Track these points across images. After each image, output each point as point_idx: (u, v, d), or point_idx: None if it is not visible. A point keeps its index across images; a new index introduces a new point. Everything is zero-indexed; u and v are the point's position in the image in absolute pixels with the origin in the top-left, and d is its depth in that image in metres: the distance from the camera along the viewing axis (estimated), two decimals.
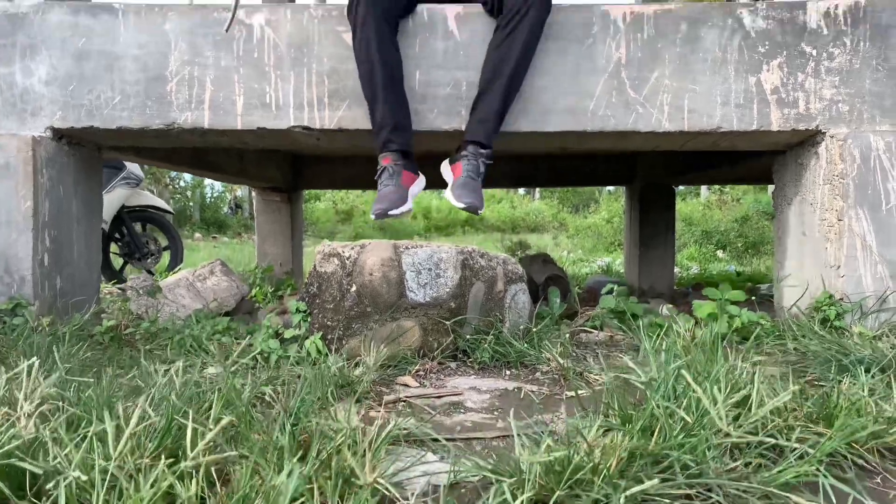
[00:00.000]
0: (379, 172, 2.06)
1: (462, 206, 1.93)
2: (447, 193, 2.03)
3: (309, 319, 1.90)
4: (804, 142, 2.26)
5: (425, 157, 2.39)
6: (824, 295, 2.11)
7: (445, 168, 2.17)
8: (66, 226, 2.26)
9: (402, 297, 1.81)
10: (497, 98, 2.04)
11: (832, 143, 2.13)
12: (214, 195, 18.94)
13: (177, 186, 17.06)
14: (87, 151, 2.38)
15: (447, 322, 1.80)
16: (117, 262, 4.74)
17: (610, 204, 20.74)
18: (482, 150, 2.05)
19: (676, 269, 6.67)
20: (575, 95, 2.16)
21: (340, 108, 2.18)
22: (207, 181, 19.55)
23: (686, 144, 2.37)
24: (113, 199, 4.38)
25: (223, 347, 2.03)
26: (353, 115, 2.18)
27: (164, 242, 4.86)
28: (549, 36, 2.13)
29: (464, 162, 2.03)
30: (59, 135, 2.21)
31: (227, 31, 2.12)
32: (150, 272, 4.79)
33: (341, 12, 2.15)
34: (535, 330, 1.95)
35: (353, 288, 1.82)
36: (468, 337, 1.86)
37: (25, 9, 2.16)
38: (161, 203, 4.72)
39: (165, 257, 4.91)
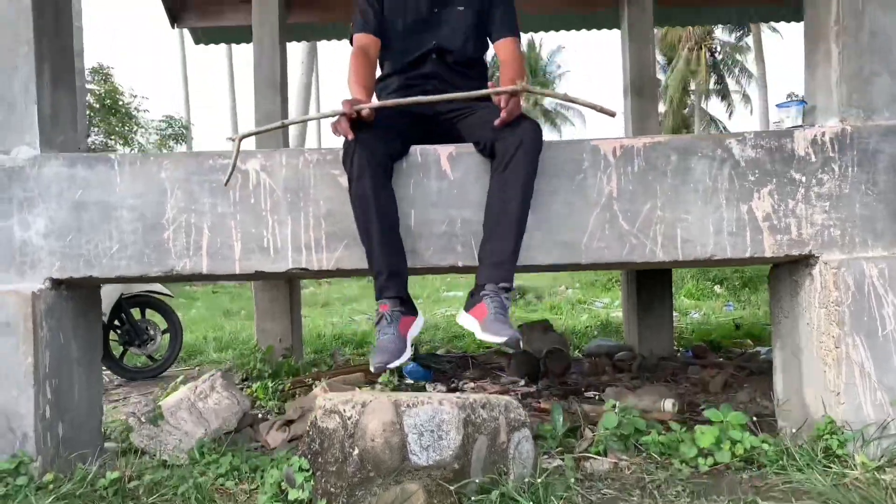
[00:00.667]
0: (378, 318, 2.07)
1: (502, 340, 1.94)
2: (480, 335, 2.03)
3: (312, 481, 1.90)
4: (798, 260, 2.29)
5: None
6: (826, 421, 2.12)
7: (464, 317, 2.14)
8: (66, 372, 2.27)
9: (405, 460, 1.82)
10: (509, 239, 2.05)
11: (826, 270, 2.15)
12: None
13: None
14: (86, 291, 2.39)
15: (451, 486, 1.81)
16: (117, 348, 4.74)
17: None
18: (501, 285, 2.05)
19: (675, 314, 6.68)
20: (568, 230, 2.19)
21: (338, 249, 2.20)
22: None
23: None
24: (111, 290, 4.39)
25: (228, 496, 2.04)
26: (350, 254, 2.20)
27: (163, 325, 4.87)
28: (541, 172, 2.15)
29: (487, 301, 2.03)
30: (57, 283, 2.22)
31: (226, 184, 2.14)
32: (150, 358, 4.79)
33: (336, 156, 2.17)
34: (539, 482, 1.95)
35: (356, 452, 1.83)
36: (472, 498, 1.86)
37: (21, 162, 2.18)
38: (159, 287, 4.73)
39: (166, 338, 4.91)
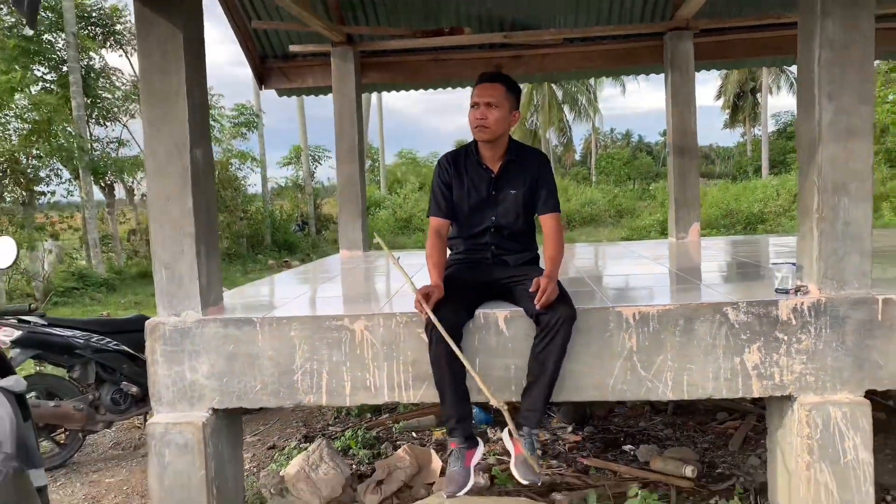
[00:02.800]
0: (448, 453, 2.80)
1: (526, 482, 2.67)
2: (512, 468, 2.76)
3: None
4: (783, 397, 2.89)
5: None
6: None
7: (507, 439, 2.89)
8: (222, 472, 3.08)
9: None
10: (543, 392, 2.74)
11: (801, 409, 2.76)
12: (284, 217, 19.99)
13: (246, 211, 18.13)
14: (234, 414, 3.18)
15: None
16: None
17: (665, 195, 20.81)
18: (534, 431, 2.76)
19: None
20: (598, 375, 2.84)
21: (421, 388, 2.92)
22: (276, 206, 20.65)
23: None
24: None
25: None
26: (429, 392, 2.91)
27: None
28: (577, 330, 2.80)
29: (523, 441, 2.74)
30: (216, 411, 3.02)
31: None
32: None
33: (420, 318, 2.86)
34: None
35: None
36: None
37: (189, 324, 2.97)
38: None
39: None
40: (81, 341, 4.34)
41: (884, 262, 4.14)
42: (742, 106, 40.42)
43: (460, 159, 3.04)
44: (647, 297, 3.21)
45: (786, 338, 2.77)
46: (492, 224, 3.02)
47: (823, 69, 2.69)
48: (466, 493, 2.66)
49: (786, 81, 36.98)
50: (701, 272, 4.09)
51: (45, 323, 4.30)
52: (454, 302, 2.78)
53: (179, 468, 2.91)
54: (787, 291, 2.86)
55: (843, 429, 2.72)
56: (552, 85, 35.76)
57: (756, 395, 2.81)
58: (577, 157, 55.16)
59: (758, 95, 38.15)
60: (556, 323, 2.68)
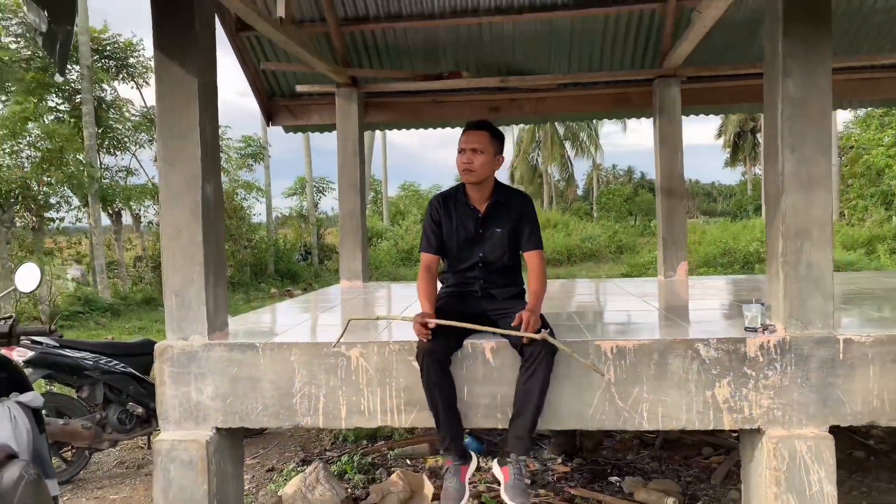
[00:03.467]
0: (444, 470, 2.98)
1: None
2: (502, 493, 2.92)
3: None
4: (753, 430, 3.06)
5: None
6: None
7: (496, 468, 3.06)
8: (224, 488, 3.25)
9: None
10: (528, 420, 2.91)
11: (769, 443, 2.93)
12: (287, 246, 20.23)
13: (251, 240, 18.38)
14: (236, 433, 3.37)
15: None
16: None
17: None
18: (521, 458, 2.93)
19: None
20: (578, 405, 3.03)
21: (412, 413, 3.10)
22: (280, 235, 20.94)
23: None
24: None
25: None
26: (421, 417, 3.09)
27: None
28: (558, 361, 2.99)
29: (510, 468, 2.91)
30: (219, 430, 3.20)
31: (334, 347, 3.05)
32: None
33: (412, 346, 3.06)
34: None
35: None
36: None
37: (196, 347, 3.16)
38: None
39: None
40: (90, 363, 4.54)
41: (868, 304, 4.34)
42: (742, 145, 40.96)
43: (450, 200, 3.26)
44: (626, 333, 3.40)
45: (754, 373, 2.96)
46: (479, 260, 3.23)
47: (785, 123, 2.93)
48: None
49: None
50: (680, 310, 4.29)
51: (57, 344, 4.50)
52: (445, 333, 2.98)
53: (184, 483, 3.09)
54: (755, 330, 3.05)
55: (809, 462, 2.89)
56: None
57: (727, 427, 2.98)
58: (580, 192, 55.64)
59: (758, 135, 38.66)
60: (539, 355, 2.87)
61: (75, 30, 2.67)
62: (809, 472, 2.89)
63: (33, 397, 3.02)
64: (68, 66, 14.04)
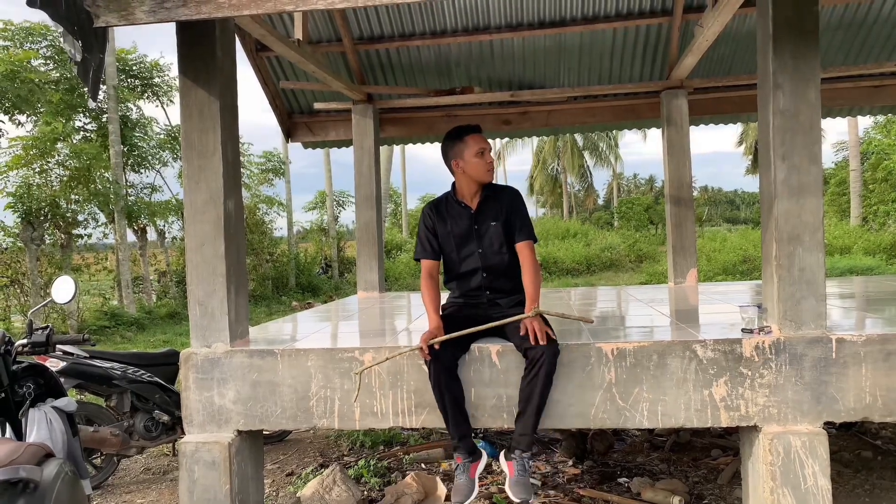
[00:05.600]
0: (455, 466, 3.13)
1: (518, 500, 2.97)
2: (506, 488, 3.07)
3: None
4: (750, 427, 3.18)
5: None
6: None
7: (503, 462, 3.20)
8: (245, 487, 3.42)
9: None
10: (532, 419, 3.06)
11: (765, 439, 3.04)
12: (308, 260, 20.51)
13: (272, 253, 18.67)
14: (256, 435, 3.54)
15: None
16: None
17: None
18: (524, 454, 3.07)
19: None
20: (581, 405, 3.16)
21: (423, 414, 3.26)
22: (301, 249, 21.23)
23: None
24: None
25: None
26: (430, 418, 3.25)
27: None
28: (561, 363, 3.14)
29: (515, 463, 3.07)
30: (240, 432, 3.38)
31: (354, 401, 3.23)
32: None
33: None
34: None
35: None
36: None
37: (219, 354, 3.35)
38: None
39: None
40: (119, 373, 4.75)
41: (869, 306, 4.43)
42: None
43: (441, 205, 3.44)
44: (628, 336, 3.53)
45: (750, 373, 3.08)
46: (480, 260, 3.34)
47: (777, 133, 3.06)
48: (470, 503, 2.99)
49: None
50: (684, 314, 4.40)
51: (87, 355, 4.72)
52: (453, 341, 3.13)
53: (207, 483, 3.26)
54: (751, 331, 3.17)
55: (803, 457, 3.00)
56: None
57: (724, 424, 3.10)
58: (601, 201, 55.63)
59: None
60: (541, 357, 3.02)
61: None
62: (804, 466, 3.00)
63: (67, 402, 3.24)
64: None
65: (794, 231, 3.07)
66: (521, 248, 3.34)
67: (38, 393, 3.16)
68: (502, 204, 3.36)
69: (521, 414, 3.10)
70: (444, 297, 3.51)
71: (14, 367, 3.09)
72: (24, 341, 3.19)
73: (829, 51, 5.99)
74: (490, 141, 3.51)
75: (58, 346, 3.90)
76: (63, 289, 3.26)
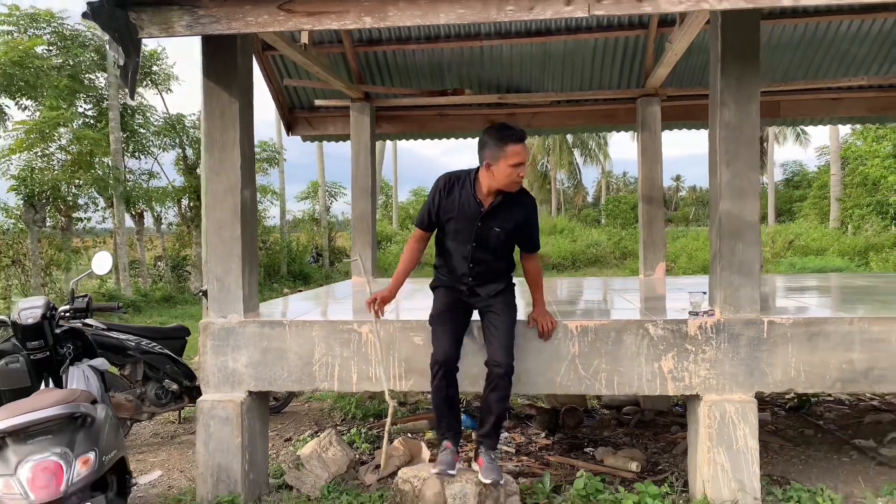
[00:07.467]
0: (442, 449, 3.50)
1: (489, 481, 3.32)
2: (480, 477, 3.37)
3: None
4: (693, 396, 3.68)
5: None
6: (702, 498, 3.53)
7: (473, 464, 3.56)
8: (253, 442, 3.90)
9: None
10: (492, 424, 3.43)
11: (705, 406, 3.55)
12: (299, 248, 20.92)
13: (265, 241, 19.06)
14: (264, 395, 4.01)
15: None
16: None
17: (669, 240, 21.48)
18: (492, 452, 3.48)
19: None
20: (548, 374, 3.66)
21: (411, 379, 3.74)
22: (293, 237, 21.63)
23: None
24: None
25: None
26: (417, 382, 3.73)
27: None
28: (533, 337, 3.63)
29: (483, 457, 3.43)
30: (251, 393, 3.85)
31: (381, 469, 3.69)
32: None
33: (412, 325, 3.69)
34: None
35: None
36: None
37: (233, 324, 3.82)
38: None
39: None
40: (133, 344, 5.20)
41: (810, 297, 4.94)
42: None
43: (458, 183, 3.40)
44: (593, 316, 4.02)
45: (693, 349, 3.58)
46: (471, 252, 3.43)
47: (722, 144, 3.55)
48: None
49: (792, 133, 37.83)
50: (646, 301, 4.91)
51: (104, 327, 5.17)
52: (454, 336, 3.47)
53: (221, 436, 3.74)
54: (697, 314, 3.67)
55: (736, 421, 3.51)
56: None
57: (671, 393, 3.61)
58: (590, 199, 56.22)
59: (765, 144, 39.04)
60: (499, 378, 3.35)
61: (108, 44, 3.26)
62: (736, 429, 3.51)
63: (101, 362, 3.70)
64: (96, 74, 14.85)
65: (735, 228, 3.57)
66: (529, 258, 3.57)
67: (76, 353, 3.62)
68: (515, 215, 3.40)
69: (483, 423, 3.48)
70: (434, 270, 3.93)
71: (56, 331, 3.55)
72: (67, 307, 3.64)
73: (791, 66, 6.51)
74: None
75: (93, 311, 4.33)
76: (101, 262, 3.72)
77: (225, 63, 3.74)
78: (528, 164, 3.33)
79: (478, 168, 3.39)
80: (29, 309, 3.40)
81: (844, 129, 24.76)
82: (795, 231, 22.61)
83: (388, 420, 3.70)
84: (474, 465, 3.54)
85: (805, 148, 53.58)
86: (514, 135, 3.24)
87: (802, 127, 33.18)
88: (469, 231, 3.43)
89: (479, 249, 3.46)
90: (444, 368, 3.40)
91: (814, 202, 29.05)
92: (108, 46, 3.89)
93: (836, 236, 20.90)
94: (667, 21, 6.04)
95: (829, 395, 6.16)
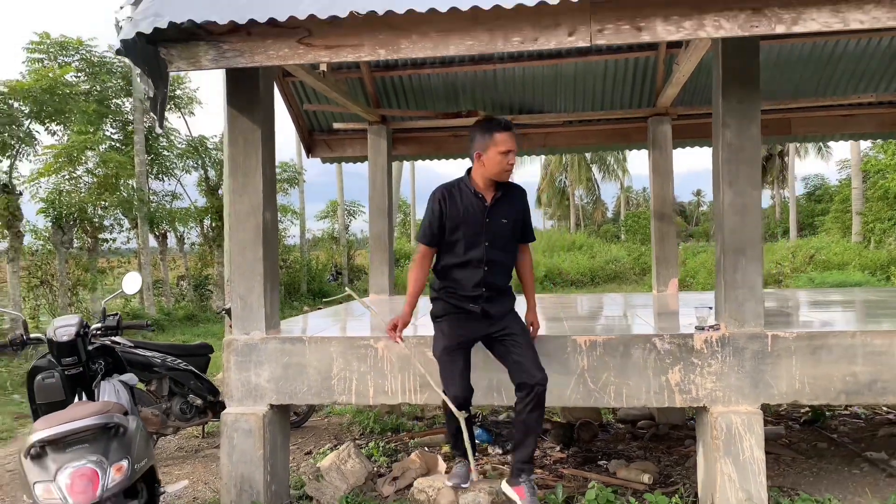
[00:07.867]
0: (457, 462, 3.68)
1: None
2: None
3: None
4: (700, 408, 3.78)
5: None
6: None
7: (509, 490, 3.53)
8: (274, 454, 4.05)
9: None
10: (530, 448, 3.51)
11: (712, 418, 3.65)
12: (319, 267, 21.18)
13: (285, 260, 19.33)
14: (285, 408, 4.17)
15: None
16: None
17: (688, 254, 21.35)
18: (531, 476, 3.55)
19: None
20: (558, 387, 3.77)
21: (426, 393, 3.88)
22: (312, 256, 21.91)
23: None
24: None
25: None
26: (431, 396, 3.87)
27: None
28: (542, 353, 3.74)
29: (525, 487, 3.45)
30: (272, 406, 4.01)
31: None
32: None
33: (427, 341, 3.83)
34: None
35: None
36: None
37: (256, 340, 3.99)
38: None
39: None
40: (159, 361, 5.39)
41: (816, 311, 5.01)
42: (770, 168, 41.08)
43: (455, 190, 3.45)
44: (602, 331, 4.14)
45: (700, 362, 3.69)
46: (485, 253, 3.39)
47: (724, 164, 3.68)
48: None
49: (813, 146, 37.56)
50: (658, 316, 5.01)
51: (132, 345, 5.37)
52: (465, 371, 3.55)
53: (244, 448, 3.90)
54: (703, 328, 3.78)
55: (742, 432, 3.60)
56: None
57: (678, 405, 3.71)
58: (609, 214, 56.17)
59: (785, 159, 38.83)
60: (534, 392, 3.35)
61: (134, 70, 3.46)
62: (743, 440, 3.60)
63: (130, 378, 3.89)
64: (122, 99, 15.28)
65: (738, 245, 3.68)
66: (525, 248, 3.62)
67: (107, 369, 3.81)
68: (515, 203, 3.48)
69: (521, 444, 3.51)
70: (432, 302, 4.05)
71: (89, 347, 3.74)
72: (99, 325, 3.83)
73: (801, 84, 6.61)
74: None
75: (123, 329, 4.52)
76: (131, 283, 3.91)
77: (248, 92, 3.94)
78: (515, 152, 3.41)
79: (469, 169, 3.49)
80: (64, 327, 3.58)
81: (865, 143, 24.63)
82: (816, 245, 22.45)
83: (465, 432, 3.61)
84: (509, 492, 3.47)
85: (827, 161, 53.12)
86: (500, 124, 3.38)
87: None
88: (479, 230, 3.41)
89: (493, 249, 3.44)
90: (457, 403, 3.50)
91: (836, 216, 28.82)
92: (138, 79, 4.11)
93: (857, 250, 20.74)
94: (676, 42, 6.19)
95: (846, 409, 6.20)
